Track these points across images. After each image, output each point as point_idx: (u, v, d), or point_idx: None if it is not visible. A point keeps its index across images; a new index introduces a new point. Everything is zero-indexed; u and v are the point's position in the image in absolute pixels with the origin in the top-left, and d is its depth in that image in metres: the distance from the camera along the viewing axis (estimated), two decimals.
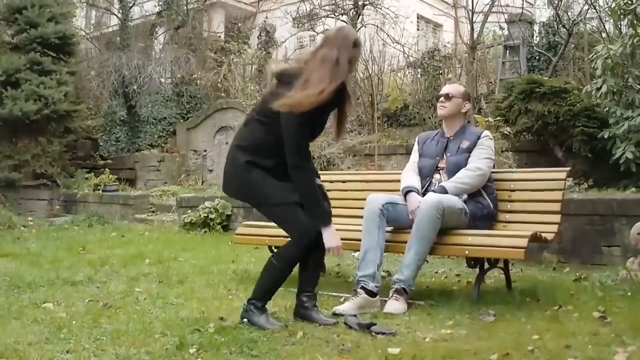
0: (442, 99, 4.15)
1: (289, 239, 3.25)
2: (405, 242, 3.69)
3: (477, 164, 3.91)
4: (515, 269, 4.85)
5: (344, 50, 3.17)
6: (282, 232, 4.49)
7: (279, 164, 3.17)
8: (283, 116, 3.10)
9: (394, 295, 3.56)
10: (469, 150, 3.99)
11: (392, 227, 3.86)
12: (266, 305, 3.23)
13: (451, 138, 4.12)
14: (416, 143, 4.35)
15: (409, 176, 4.12)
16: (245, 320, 3.15)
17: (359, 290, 3.54)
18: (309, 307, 3.27)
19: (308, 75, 3.09)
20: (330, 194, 4.79)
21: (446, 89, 4.21)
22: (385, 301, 3.57)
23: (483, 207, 3.89)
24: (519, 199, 3.97)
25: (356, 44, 3.27)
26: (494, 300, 3.64)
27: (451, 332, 2.98)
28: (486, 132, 4.16)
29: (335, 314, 3.38)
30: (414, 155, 4.28)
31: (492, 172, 4.05)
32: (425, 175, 4.07)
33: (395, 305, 3.51)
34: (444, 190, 3.81)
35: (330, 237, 3.20)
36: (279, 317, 3.33)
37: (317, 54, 3.19)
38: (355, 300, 3.49)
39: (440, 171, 4.04)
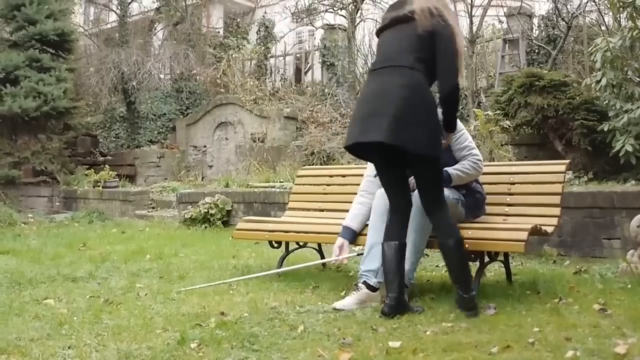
0: None
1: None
2: None
3: (477, 156, 3.81)
4: (516, 262, 4.86)
5: None
6: (282, 227, 4.54)
7: None
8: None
9: None
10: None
11: None
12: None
13: None
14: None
15: (355, 207, 3.99)
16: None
17: (360, 285, 3.55)
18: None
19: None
20: (330, 189, 4.86)
21: None
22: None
23: (482, 194, 3.87)
24: (519, 192, 3.96)
25: None
26: (494, 293, 3.65)
27: (452, 326, 2.99)
28: None
29: (335, 309, 3.39)
30: (372, 170, 3.94)
31: (492, 166, 4.04)
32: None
33: None
34: (447, 176, 3.73)
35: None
36: (279, 311, 3.33)
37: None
38: (356, 295, 3.49)
39: None
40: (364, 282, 3.54)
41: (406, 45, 3.26)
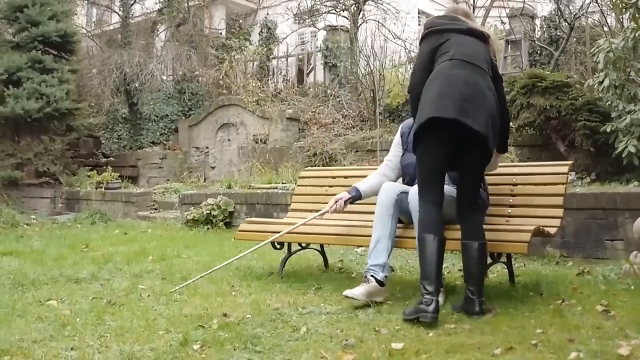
0: None
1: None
2: (414, 238, 3.65)
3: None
4: (518, 263, 4.85)
5: None
6: (284, 228, 4.53)
7: None
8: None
9: None
10: None
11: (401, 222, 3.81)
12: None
13: None
14: (399, 135, 4.14)
15: (370, 178, 4.06)
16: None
17: (369, 277, 3.52)
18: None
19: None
20: (332, 190, 4.85)
21: None
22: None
23: (483, 200, 3.86)
24: (522, 193, 3.94)
25: None
26: (497, 294, 3.64)
27: (455, 327, 2.98)
28: None
29: (347, 297, 3.40)
30: (395, 149, 4.11)
31: None
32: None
33: None
34: None
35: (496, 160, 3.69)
36: (282, 312, 3.33)
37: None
38: (366, 286, 3.47)
39: None
40: (372, 277, 3.53)
41: (482, 56, 3.39)
